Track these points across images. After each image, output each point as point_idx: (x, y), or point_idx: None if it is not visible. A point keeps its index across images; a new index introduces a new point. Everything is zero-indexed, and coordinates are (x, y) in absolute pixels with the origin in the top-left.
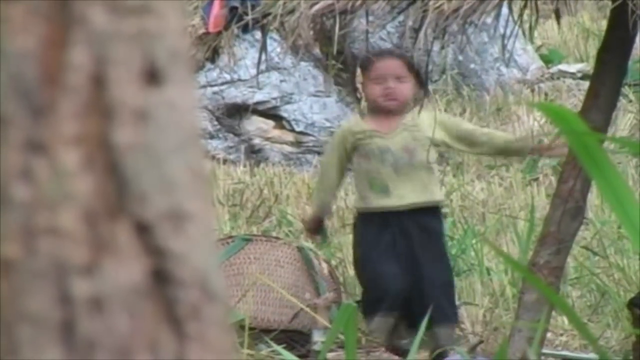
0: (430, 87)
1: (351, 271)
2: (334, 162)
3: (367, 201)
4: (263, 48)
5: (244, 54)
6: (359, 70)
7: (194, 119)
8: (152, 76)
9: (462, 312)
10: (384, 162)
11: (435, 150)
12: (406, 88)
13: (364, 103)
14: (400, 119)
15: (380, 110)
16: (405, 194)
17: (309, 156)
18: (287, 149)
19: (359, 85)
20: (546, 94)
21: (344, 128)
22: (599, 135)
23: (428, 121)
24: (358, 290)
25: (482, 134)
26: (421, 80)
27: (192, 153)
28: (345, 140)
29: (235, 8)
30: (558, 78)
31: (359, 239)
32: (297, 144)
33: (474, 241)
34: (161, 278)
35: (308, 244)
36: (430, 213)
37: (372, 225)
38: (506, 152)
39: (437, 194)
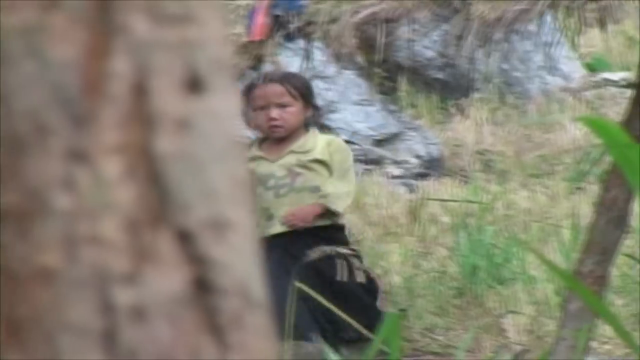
0: (474, 95)
1: (396, 279)
2: None
3: (261, 229)
4: (307, 56)
5: (288, 63)
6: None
7: (236, 128)
8: (194, 85)
9: (508, 320)
10: (267, 188)
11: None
12: (290, 114)
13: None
14: (289, 144)
15: (268, 137)
16: None
17: None
18: None
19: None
20: (590, 103)
21: None
22: None
23: (323, 144)
24: (401, 299)
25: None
26: (310, 101)
27: (234, 161)
28: None
29: (279, 16)
30: (602, 86)
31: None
32: None
33: (515, 249)
34: (203, 286)
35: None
36: (320, 234)
37: (269, 253)
38: None
39: (329, 217)
